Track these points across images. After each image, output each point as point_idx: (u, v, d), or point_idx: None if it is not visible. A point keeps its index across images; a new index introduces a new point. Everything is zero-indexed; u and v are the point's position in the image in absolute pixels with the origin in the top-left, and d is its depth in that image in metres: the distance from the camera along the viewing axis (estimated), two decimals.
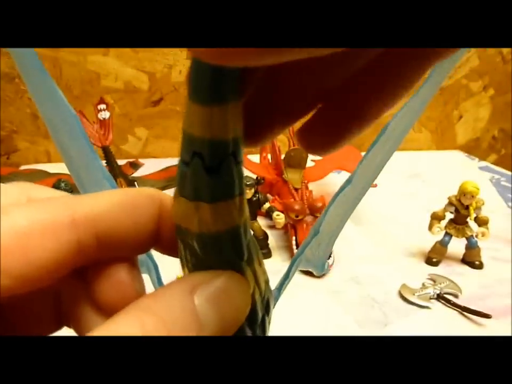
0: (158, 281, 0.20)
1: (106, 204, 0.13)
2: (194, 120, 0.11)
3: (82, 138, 0.15)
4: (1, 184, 0.13)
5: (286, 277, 0.18)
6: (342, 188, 0.17)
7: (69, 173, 0.18)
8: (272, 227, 0.60)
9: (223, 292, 0.13)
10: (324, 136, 0.13)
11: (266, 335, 0.15)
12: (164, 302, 0.12)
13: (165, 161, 0.75)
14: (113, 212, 0.13)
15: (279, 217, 0.56)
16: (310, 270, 0.20)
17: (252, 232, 0.60)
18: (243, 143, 0.13)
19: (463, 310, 0.47)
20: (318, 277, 0.53)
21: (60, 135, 0.15)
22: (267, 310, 0.15)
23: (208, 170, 0.12)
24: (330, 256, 0.53)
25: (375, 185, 0.68)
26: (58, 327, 0.15)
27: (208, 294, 0.12)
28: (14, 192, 0.14)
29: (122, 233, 0.14)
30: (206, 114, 0.11)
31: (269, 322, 0.16)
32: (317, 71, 0.13)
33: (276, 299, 0.19)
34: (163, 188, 0.65)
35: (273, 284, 0.19)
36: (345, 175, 0.78)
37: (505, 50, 1.00)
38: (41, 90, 0.14)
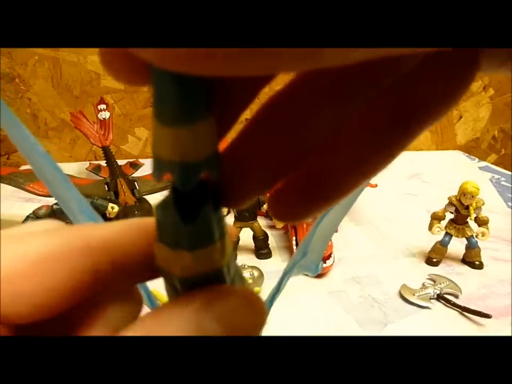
0: (148, 299, 0.19)
1: (119, 230, 0.13)
2: (162, 143, 0.11)
3: (57, 173, 0.15)
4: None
5: (277, 290, 0.18)
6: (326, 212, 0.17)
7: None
8: (272, 227, 0.60)
9: (234, 311, 0.12)
10: (295, 206, 0.13)
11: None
12: (167, 320, 0.12)
13: None
14: (126, 238, 0.13)
15: None
16: (304, 273, 0.20)
17: (252, 233, 0.59)
18: (224, 205, 0.12)
19: (463, 310, 0.47)
20: (318, 277, 0.53)
21: (36, 171, 0.15)
22: None
23: (185, 220, 0.11)
24: (330, 256, 0.53)
25: (375, 185, 0.68)
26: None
27: (219, 312, 0.12)
28: (29, 224, 0.14)
29: (135, 259, 0.14)
30: (173, 137, 0.10)
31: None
32: (296, 126, 0.12)
33: (268, 311, 0.19)
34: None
35: (272, 285, 0.19)
36: None
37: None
38: (10, 126, 0.14)
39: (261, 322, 0.13)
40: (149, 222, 0.14)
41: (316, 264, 0.19)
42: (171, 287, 0.13)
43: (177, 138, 0.10)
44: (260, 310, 0.13)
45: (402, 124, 0.12)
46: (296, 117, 0.12)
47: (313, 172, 0.13)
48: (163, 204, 0.12)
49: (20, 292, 0.12)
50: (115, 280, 0.13)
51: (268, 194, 0.14)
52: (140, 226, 0.14)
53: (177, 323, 0.12)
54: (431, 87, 0.11)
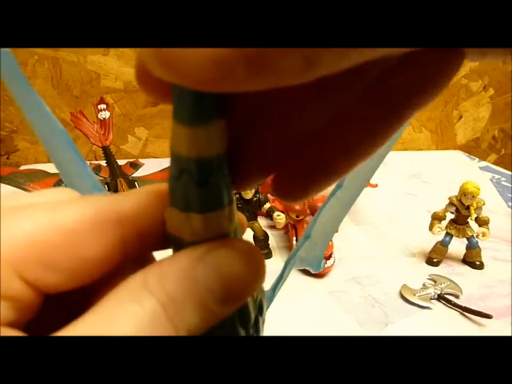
0: None
1: (143, 201, 0.14)
2: (180, 140, 0.12)
3: (72, 152, 0.15)
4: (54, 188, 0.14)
5: (280, 278, 0.18)
6: (333, 192, 0.17)
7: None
8: (273, 227, 0.60)
9: (231, 261, 0.12)
10: (296, 186, 0.14)
11: (260, 335, 0.15)
12: (169, 272, 0.12)
13: (165, 161, 0.75)
14: (150, 208, 0.14)
15: (280, 218, 0.56)
16: (306, 268, 0.20)
17: (253, 233, 0.59)
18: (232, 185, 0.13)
19: (464, 310, 0.47)
20: (319, 277, 0.53)
21: (51, 149, 0.15)
22: (260, 310, 0.15)
23: (197, 184, 0.12)
24: (331, 256, 0.53)
25: (375, 185, 0.68)
26: None
27: (216, 262, 0.12)
28: (60, 192, 0.14)
29: (156, 229, 0.14)
30: (189, 135, 0.11)
31: (263, 323, 0.16)
32: (291, 115, 0.13)
33: (270, 300, 0.20)
34: None
35: (271, 283, 0.19)
36: None
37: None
38: (29, 106, 0.14)
39: (258, 275, 0.13)
40: (161, 190, 0.14)
41: (318, 260, 0.19)
42: None
43: (193, 137, 0.11)
44: (257, 263, 0.13)
45: (392, 111, 0.12)
46: (291, 107, 0.13)
47: (312, 155, 0.13)
48: (176, 170, 0.13)
49: (54, 262, 0.12)
50: (139, 249, 0.14)
51: (270, 181, 0.14)
52: (158, 193, 0.14)
53: (177, 273, 0.12)
54: (420, 74, 0.12)
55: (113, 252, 0.13)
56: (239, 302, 0.13)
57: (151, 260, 0.15)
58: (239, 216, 0.14)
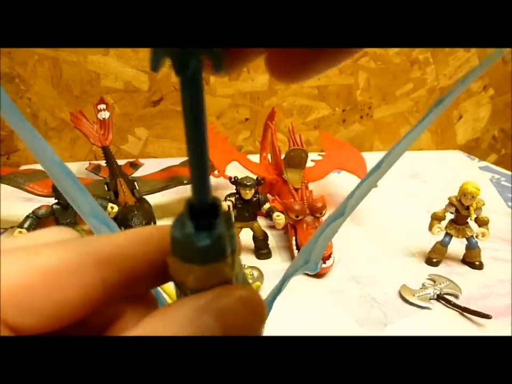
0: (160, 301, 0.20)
1: (126, 242, 0.14)
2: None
3: (71, 181, 0.16)
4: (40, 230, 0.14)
5: (278, 291, 0.19)
6: (333, 219, 0.17)
7: None
8: (272, 227, 0.60)
9: (234, 310, 0.13)
10: (288, 65, 0.13)
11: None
12: (173, 320, 0.12)
13: (165, 161, 0.75)
14: (133, 248, 0.14)
15: (279, 218, 0.56)
16: (304, 272, 0.20)
17: (252, 233, 0.59)
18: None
19: (463, 310, 0.47)
20: (318, 277, 0.53)
21: (54, 178, 0.16)
22: None
23: (199, 237, 0.12)
24: (330, 256, 0.53)
25: (375, 185, 0.68)
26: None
27: (219, 311, 0.12)
28: (43, 233, 0.14)
29: (143, 269, 0.14)
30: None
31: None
32: None
33: (268, 311, 0.20)
34: (163, 188, 0.65)
35: (272, 285, 0.19)
36: (345, 175, 0.79)
37: (505, 51, 1.00)
38: (27, 138, 0.14)
39: (260, 323, 0.13)
40: (154, 230, 0.15)
41: (315, 262, 0.19)
42: (183, 295, 0.14)
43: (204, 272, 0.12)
44: (260, 311, 0.13)
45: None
46: None
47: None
48: (178, 221, 0.13)
49: (30, 304, 0.12)
50: (126, 288, 0.14)
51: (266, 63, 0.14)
52: (145, 236, 0.14)
53: (179, 321, 0.12)
54: None
55: (93, 293, 0.13)
56: None
57: (149, 297, 0.15)
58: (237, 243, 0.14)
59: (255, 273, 0.50)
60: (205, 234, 0.12)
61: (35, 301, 0.12)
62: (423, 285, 0.51)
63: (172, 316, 0.12)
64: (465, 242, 0.55)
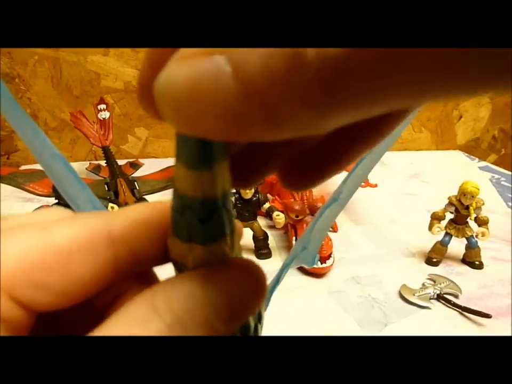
0: None
1: (137, 218, 0.14)
2: (185, 182, 0.12)
3: (70, 174, 0.16)
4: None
5: (277, 282, 0.19)
6: (328, 204, 0.17)
7: None
8: (272, 227, 0.60)
9: (235, 281, 0.13)
10: (304, 177, 0.14)
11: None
12: (175, 294, 0.12)
13: (165, 161, 0.75)
14: (144, 226, 0.14)
15: (279, 217, 0.56)
16: (301, 265, 0.20)
17: (252, 233, 0.59)
18: (234, 186, 0.13)
19: (463, 310, 0.47)
20: (318, 277, 0.53)
21: (52, 175, 0.16)
22: (259, 318, 0.16)
23: (201, 221, 0.12)
24: (330, 256, 0.53)
25: (375, 185, 0.68)
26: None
27: (221, 284, 0.12)
28: (44, 212, 0.14)
29: (151, 246, 0.14)
30: (195, 178, 0.12)
31: (261, 328, 0.16)
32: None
33: (266, 302, 0.20)
34: (163, 188, 0.65)
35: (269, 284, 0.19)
36: (345, 175, 0.78)
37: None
38: (26, 134, 0.14)
39: (261, 292, 0.13)
40: (162, 205, 0.14)
41: (312, 256, 0.19)
42: None
43: (199, 180, 0.12)
44: (260, 280, 0.13)
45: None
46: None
47: (316, 150, 0.14)
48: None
49: (44, 282, 0.12)
50: (135, 266, 0.14)
51: (270, 179, 0.15)
52: (154, 212, 0.14)
53: (184, 294, 0.12)
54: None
55: (105, 271, 0.13)
56: (243, 320, 0.13)
57: (152, 275, 0.15)
58: (236, 225, 0.14)
59: None
60: (206, 218, 0.12)
61: (49, 278, 0.12)
62: (423, 284, 0.51)
63: (175, 291, 0.12)
64: (465, 242, 0.55)
